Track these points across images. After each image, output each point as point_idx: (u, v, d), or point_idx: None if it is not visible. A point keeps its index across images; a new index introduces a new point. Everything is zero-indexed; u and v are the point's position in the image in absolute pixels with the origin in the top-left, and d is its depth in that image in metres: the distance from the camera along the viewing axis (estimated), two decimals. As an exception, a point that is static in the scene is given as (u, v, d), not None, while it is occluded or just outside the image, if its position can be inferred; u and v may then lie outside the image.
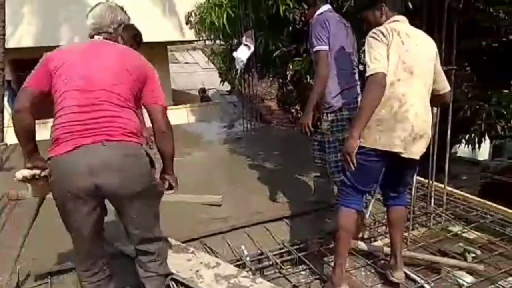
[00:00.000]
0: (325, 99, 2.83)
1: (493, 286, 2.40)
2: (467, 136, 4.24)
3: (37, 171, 1.87)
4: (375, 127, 2.11)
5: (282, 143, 5.82)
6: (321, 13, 2.86)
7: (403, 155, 2.12)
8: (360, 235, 3.00)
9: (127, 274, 2.22)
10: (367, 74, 2.07)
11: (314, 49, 2.77)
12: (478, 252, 2.67)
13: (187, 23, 7.71)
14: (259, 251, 2.79)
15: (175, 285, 2.28)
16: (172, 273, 2.12)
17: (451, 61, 2.88)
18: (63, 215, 1.80)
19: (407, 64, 2.11)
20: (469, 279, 2.44)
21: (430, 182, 3.14)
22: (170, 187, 2.10)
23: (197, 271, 2.36)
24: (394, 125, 2.09)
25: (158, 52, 9.75)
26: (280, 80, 7.45)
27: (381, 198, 2.62)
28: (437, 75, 2.28)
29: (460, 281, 2.42)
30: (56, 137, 1.73)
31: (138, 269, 1.99)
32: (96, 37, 1.92)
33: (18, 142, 1.83)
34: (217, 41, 6.97)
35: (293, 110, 9.51)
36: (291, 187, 3.77)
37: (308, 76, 5.52)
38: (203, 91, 10.95)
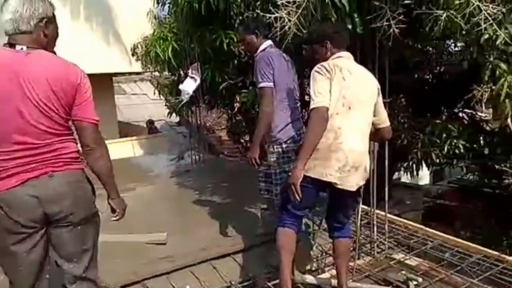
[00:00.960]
0: (271, 133, 2.87)
1: (434, 312, 2.46)
2: (406, 164, 4.45)
3: None
4: (311, 156, 2.17)
5: (231, 175, 5.78)
6: (264, 49, 2.93)
7: (338, 186, 2.19)
8: (308, 267, 3.00)
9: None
10: (311, 107, 2.17)
11: (259, 85, 2.82)
12: (420, 279, 2.74)
13: (133, 55, 7.62)
14: (205, 291, 2.70)
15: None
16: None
17: (384, 95, 3.03)
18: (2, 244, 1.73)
19: (347, 99, 2.21)
20: (412, 307, 2.49)
21: (372, 210, 3.21)
22: (113, 211, 2.01)
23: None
24: (328, 155, 2.17)
25: (103, 83, 9.50)
26: (229, 111, 7.50)
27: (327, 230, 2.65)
28: (377, 110, 2.40)
29: (404, 309, 2.47)
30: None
31: None
32: (17, 47, 1.66)
33: None
34: (164, 73, 6.94)
35: (243, 140, 9.56)
36: (239, 220, 3.72)
37: (255, 107, 5.61)
38: (151, 122, 10.74)
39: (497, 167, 3.61)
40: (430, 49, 4.67)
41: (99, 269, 2.05)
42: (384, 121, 2.47)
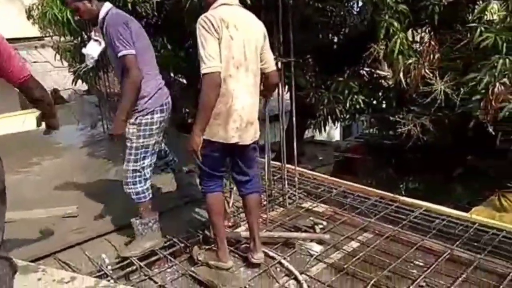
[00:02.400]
0: (139, 102, 2.61)
1: (338, 251, 2.73)
2: (314, 121, 4.71)
3: None
4: (213, 121, 2.23)
5: (147, 141, 5.64)
6: (108, 12, 2.64)
7: (239, 144, 2.31)
8: (225, 223, 3.11)
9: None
10: (203, 71, 2.12)
11: (121, 54, 2.50)
12: (325, 223, 3.00)
13: (28, 18, 6.87)
14: (121, 258, 2.68)
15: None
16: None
17: (289, 54, 3.14)
18: None
19: (236, 59, 2.22)
20: (318, 248, 2.73)
21: (283, 165, 3.40)
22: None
23: (48, 290, 2.16)
24: (227, 119, 2.24)
25: (-4, 51, 8.49)
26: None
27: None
28: (264, 55, 2.41)
29: (311, 251, 2.70)
30: None
31: None
32: None
33: None
34: (66, 37, 6.39)
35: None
36: (153, 185, 3.69)
37: (169, 71, 5.45)
38: (55, 91, 9.94)
39: (391, 118, 3.97)
40: (334, 9, 4.87)
41: (8, 246, 1.93)
42: (271, 65, 2.49)
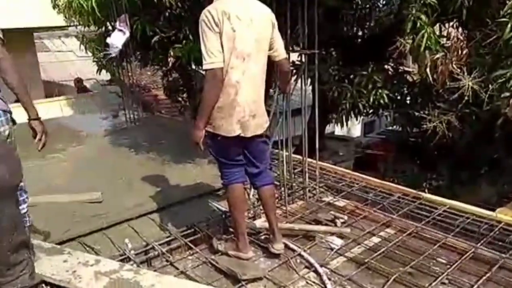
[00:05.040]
0: None
1: (359, 246, 2.71)
2: (336, 115, 4.67)
3: None
4: (217, 114, 2.24)
5: (167, 131, 5.71)
6: None
7: (241, 135, 2.29)
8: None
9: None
10: (204, 67, 2.15)
11: None
12: (346, 217, 2.98)
13: (54, 7, 6.99)
14: (144, 243, 2.72)
15: (49, 292, 2.11)
16: (41, 282, 1.95)
17: (313, 46, 3.11)
18: None
19: (239, 51, 2.19)
20: (339, 242, 2.72)
21: (304, 158, 3.38)
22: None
23: (74, 271, 2.20)
24: (231, 112, 2.23)
25: (23, 40, 8.70)
26: (163, 68, 7.26)
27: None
28: (274, 44, 2.36)
29: (332, 245, 2.69)
30: None
31: None
32: None
33: None
34: (91, 27, 6.49)
35: (180, 99, 9.36)
36: (175, 175, 3.74)
37: (192, 64, 5.48)
38: (79, 81, 10.10)
39: (417, 114, 3.90)
40: (359, 2, 4.81)
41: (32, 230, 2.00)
42: (281, 53, 2.43)
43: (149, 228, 2.93)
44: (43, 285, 2.10)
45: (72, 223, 2.88)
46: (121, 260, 2.48)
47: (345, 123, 4.67)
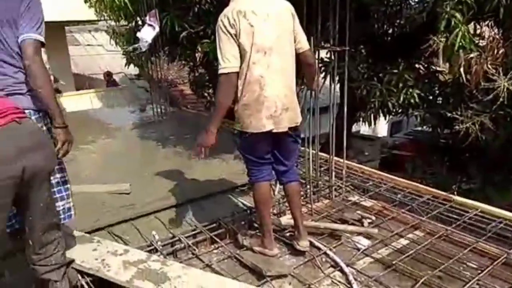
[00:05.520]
0: None
1: (386, 247, 2.66)
2: (364, 114, 4.60)
3: None
4: (243, 112, 2.23)
5: (194, 126, 5.74)
6: None
7: (274, 131, 2.25)
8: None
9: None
10: (219, 72, 2.18)
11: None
12: (373, 217, 2.94)
13: (85, 1, 7.15)
14: (170, 235, 2.76)
15: (80, 277, 2.16)
16: (73, 260, 2.01)
17: (344, 42, 3.07)
18: None
19: (259, 45, 2.17)
20: (366, 242, 2.68)
21: (331, 157, 3.35)
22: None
23: (103, 259, 2.26)
24: (259, 107, 2.20)
25: (55, 33, 8.92)
26: (191, 63, 7.32)
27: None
28: (295, 35, 2.32)
29: (358, 245, 2.65)
30: None
31: (37, 268, 1.84)
32: None
33: None
34: (121, 22, 6.60)
35: (206, 94, 9.43)
36: (201, 170, 3.77)
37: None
38: (108, 74, 10.31)
39: (449, 115, 3.79)
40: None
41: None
42: (305, 44, 2.39)
43: (175, 220, 2.96)
44: (79, 276, 2.16)
45: (102, 213, 2.94)
46: (148, 251, 2.52)
47: (372, 122, 4.59)
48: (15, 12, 1.87)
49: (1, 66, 1.89)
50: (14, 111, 1.63)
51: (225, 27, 2.15)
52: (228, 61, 2.15)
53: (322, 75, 3.31)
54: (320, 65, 3.59)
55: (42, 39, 1.93)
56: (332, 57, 3.30)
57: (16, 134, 1.58)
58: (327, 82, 3.28)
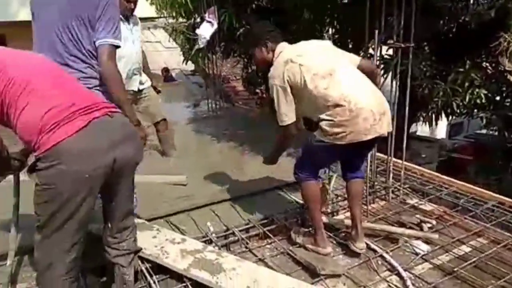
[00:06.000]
0: None
1: (447, 254, 2.54)
2: (425, 114, 4.41)
3: None
4: (338, 128, 2.19)
5: (248, 123, 5.81)
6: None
7: (374, 136, 2.22)
8: (323, 209, 3.09)
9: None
10: (280, 124, 2.40)
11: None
12: (434, 222, 2.81)
13: (147, -1, 7.44)
14: (224, 228, 2.81)
15: (140, 263, 2.26)
16: (141, 249, 2.10)
17: (409, 40, 2.95)
18: (68, 207, 1.59)
19: (320, 72, 2.24)
20: (425, 247, 2.57)
21: (389, 158, 3.24)
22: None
23: (162, 247, 2.35)
24: (355, 121, 2.17)
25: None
26: (245, 60, 7.39)
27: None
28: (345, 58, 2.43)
29: (417, 249, 2.55)
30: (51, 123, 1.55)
31: (110, 251, 1.94)
32: None
33: None
34: (179, 19, 6.80)
35: (258, 91, 9.49)
36: (254, 165, 3.80)
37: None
38: (166, 70, 10.65)
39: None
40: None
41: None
42: (355, 58, 2.48)
43: (229, 214, 3.01)
44: (139, 261, 2.26)
45: (160, 202, 3.05)
46: (203, 242, 2.58)
47: (434, 123, 4.39)
48: (91, 14, 1.99)
49: (74, 61, 2.04)
50: (106, 105, 1.73)
51: (277, 86, 2.31)
52: (285, 116, 2.35)
53: (382, 72, 3.20)
54: (380, 62, 3.46)
55: (117, 42, 2.05)
56: (394, 54, 3.18)
57: (109, 127, 1.67)
58: (387, 80, 3.16)
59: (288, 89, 2.30)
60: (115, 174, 1.70)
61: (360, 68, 2.41)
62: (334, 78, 2.23)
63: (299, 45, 2.44)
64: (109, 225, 1.90)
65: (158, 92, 4.06)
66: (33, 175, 1.59)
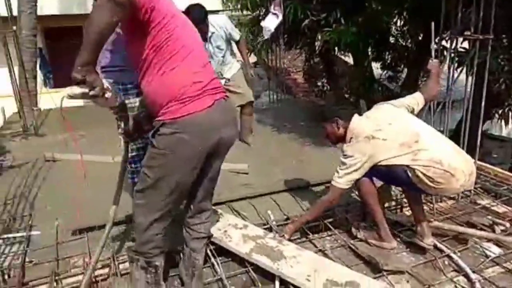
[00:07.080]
0: None
1: (521, 258, 2.39)
2: (501, 110, 4.12)
3: (86, 90, 1.47)
4: (432, 184, 2.23)
5: (308, 115, 5.78)
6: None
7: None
8: (387, 205, 3.02)
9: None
10: (333, 182, 2.41)
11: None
12: (508, 224, 2.64)
13: (213, -9, 7.60)
14: (285, 217, 2.84)
15: (205, 245, 2.36)
16: (212, 235, 2.20)
17: (488, 31, 2.77)
18: (180, 172, 1.77)
19: (405, 141, 2.25)
20: (496, 250, 2.43)
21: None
22: None
23: (225, 231, 2.44)
24: (451, 179, 2.19)
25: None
26: (307, 52, 7.34)
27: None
28: (412, 109, 2.51)
29: (488, 252, 2.42)
30: (187, 95, 1.69)
31: (189, 231, 2.05)
32: None
33: (87, 42, 1.44)
34: (244, 11, 6.88)
35: (319, 83, 9.39)
36: (314, 157, 3.79)
37: (336, 49, 5.42)
38: (228, 62, 10.87)
39: None
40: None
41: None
42: (417, 98, 2.54)
43: (289, 203, 3.04)
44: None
45: (223, 188, 3.15)
46: (264, 229, 2.63)
47: (510, 120, 4.09)
48: None
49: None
50: (223, 90, 1.88)
51: (352, 160, 2.33)
52: (342, 180, 2.37)
53: (456, 66, 3.02)
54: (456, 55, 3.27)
55: None
56: (471, 47, 3.01)
57: (223, 109, 1.82)
58: (456, 74, 2.99)
59: (367, 165, 2.33)
60: (215, 152, 1.85)
61: (424, 97, 2.54)
62: (417, 143, 2.24)
63: (371, 118, 2.43)
64: (191, 206, 2.02)
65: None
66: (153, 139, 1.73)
